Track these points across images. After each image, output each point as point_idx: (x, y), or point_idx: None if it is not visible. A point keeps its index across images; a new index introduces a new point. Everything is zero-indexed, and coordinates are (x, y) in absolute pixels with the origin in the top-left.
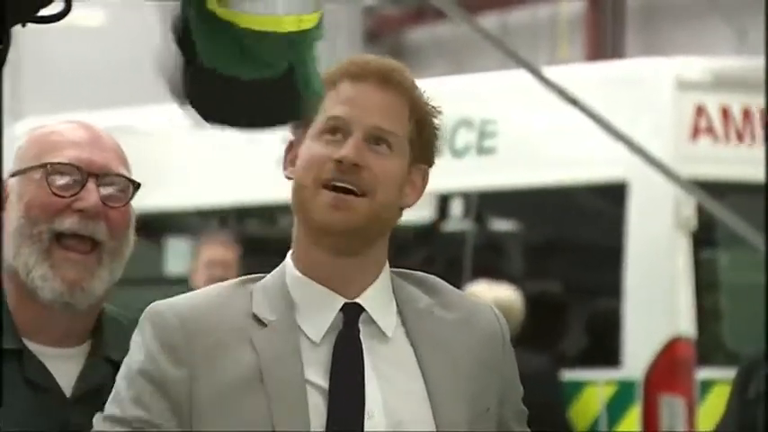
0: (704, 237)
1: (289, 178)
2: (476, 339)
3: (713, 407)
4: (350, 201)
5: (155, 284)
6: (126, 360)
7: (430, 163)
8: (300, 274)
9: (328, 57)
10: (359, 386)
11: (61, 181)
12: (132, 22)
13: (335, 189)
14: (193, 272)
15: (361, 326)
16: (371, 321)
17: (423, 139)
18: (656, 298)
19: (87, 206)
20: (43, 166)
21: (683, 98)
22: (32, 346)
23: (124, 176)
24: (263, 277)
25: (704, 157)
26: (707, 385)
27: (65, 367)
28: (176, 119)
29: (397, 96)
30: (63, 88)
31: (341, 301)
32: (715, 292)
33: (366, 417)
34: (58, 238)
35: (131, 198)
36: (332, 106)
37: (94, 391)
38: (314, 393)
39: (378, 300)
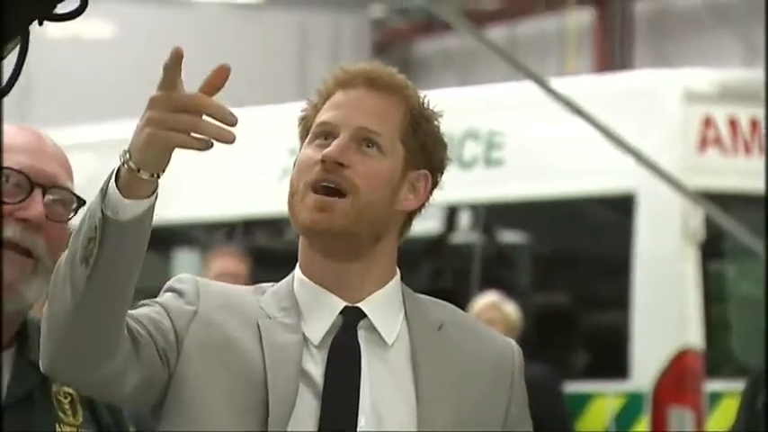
0: (712, 248)
1: None
2: (481, 365)
3: (722, 419)
4: (332, 202)
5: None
6: None
7: (432, 167)
8: (305, 278)
9: (339, 65)
10: (353, 390)
11: (6, 187)
12: (142, 34)
13: (322, 190)
14: None
15: (362, 331)
16: (373, 328)
17: (418, 140)
18: (665, 309)
19: (30, 216)
20: None
21: (690, 110)
22: None
23: (70, 191)
24: (273, 284)
25: (712, 168)
26: (715, 397)
27: None
28: None
29: (386, 99)
30: (73, 99)
31: (341, 304)
32: (723, 304)
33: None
34: None
35: (75, 215)
36: (323, 113)
37: (26, 396)
38: (306, 390)
39: (381, 306)
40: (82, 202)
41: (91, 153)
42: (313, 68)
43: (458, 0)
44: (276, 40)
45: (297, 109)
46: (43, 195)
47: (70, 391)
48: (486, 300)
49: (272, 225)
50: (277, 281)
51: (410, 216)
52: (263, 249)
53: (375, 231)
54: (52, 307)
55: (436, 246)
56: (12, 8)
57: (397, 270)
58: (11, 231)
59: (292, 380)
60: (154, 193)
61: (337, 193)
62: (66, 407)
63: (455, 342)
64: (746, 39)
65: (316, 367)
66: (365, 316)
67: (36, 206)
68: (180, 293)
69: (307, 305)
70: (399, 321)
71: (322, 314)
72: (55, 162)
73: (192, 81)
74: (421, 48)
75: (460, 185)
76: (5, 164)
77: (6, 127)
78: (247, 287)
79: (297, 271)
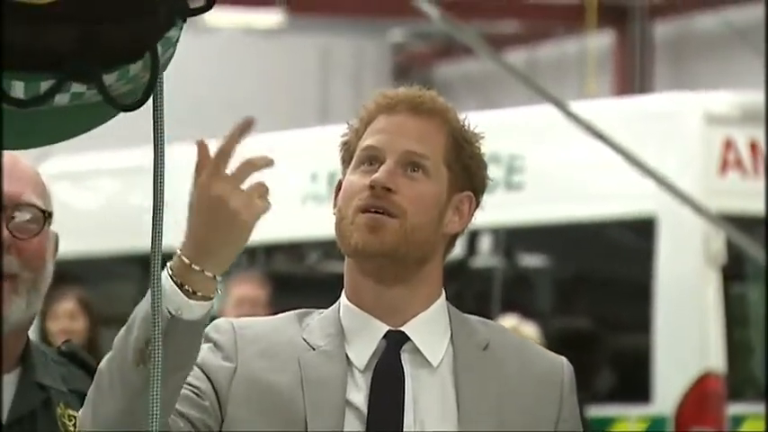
0: (733, 271)
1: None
2: (527, 383)
3: None
4: (383, 220)
5: None
6: None
7: (475, 188)
8: (350, 303)
9: (357, 93)
10: (397, 413)
11: None
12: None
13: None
14: (222, 309)
15: (406, 354)
16: (417, 350)
17: (461, 163)
18: (686, 333)
19: None
20: None
21: (711, 132)
22: None
23: (35, 206)
24: (321, 311)
25: (733, 191)
26: (738, 420)
27: None
28: None
29: (428, 122)
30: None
31: (384, 328)
32: (745, 327)
33: None
34: None
35: (43, 228)
36: (367, 138)
37: (28, 416)
38: (353, 417)
39: (425, 328)
40: (48, 216)
41: (111, 178)
42: (334, 93)
43: (477, 24)
44: (297, 65)
45: (318, 134)
46: (8, 216)
47: (75, 414)
48: (506, 322)
49: (293, 250)
50: (296, 305)
51: (453, 238)
52: (284, 274)
53: (422, 254)
54: (98, 410)
55: (457, 269)
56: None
57: (443, 291)
58: None
59: (335, 415)
60: (215, 292)
61: (387, 215)
62: (71, 429)
63: (500, 361)
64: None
65: (360, 393)
66: (409, 339)
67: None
68: (217, 345)
69: (351, 331)
70: (446, 342)
71: (366, 339)
72: (19, 181)
73: (213, 106)
74: (441, 71)
75: (481, 209)
76: None
77: None
78: (292, 314)
79: (342, 297)
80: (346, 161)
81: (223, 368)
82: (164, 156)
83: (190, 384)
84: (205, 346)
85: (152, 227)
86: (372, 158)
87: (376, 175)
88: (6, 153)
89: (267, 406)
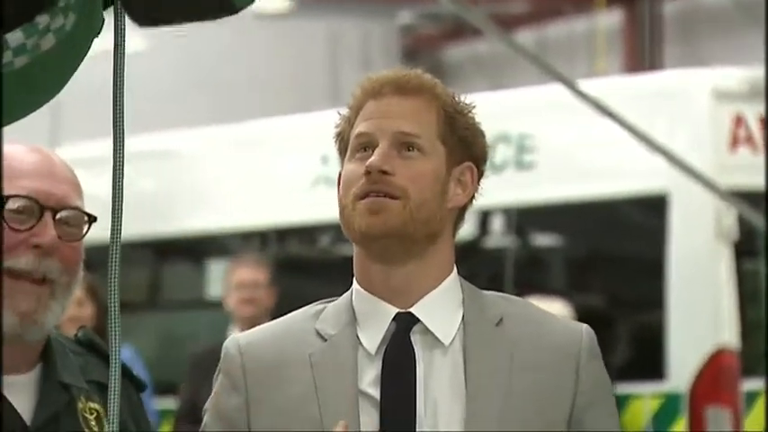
0: (746, 247)
1: None
2: (541, 356)
3: (759, 417)
4: (384, 202)
5: (197, 308)
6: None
7: (475, 158)
8: (361, 288)
9: (366, 76)
10: (409, 396)
11: (17, 214)
12: (173, 45)
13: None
14: (226, 295)
15: (417, 335)
16: (428, 331)
17: (456, 135)
18: (700, 309)
19: (43, 242)
20: None
21: (720, 108)
22: None
23: (81, 210)
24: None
25: (744, 166)
26: (752, 396)
27: (20, 395)
28: (215, 142)
29: (417, 100)
30: (107, 112)
31: (393, 311)
32: (758, 303)
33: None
34: (9, 269)
35: (86, 233)
36: (358, 125)
37: (53, 418)
38: (368, 405)
39: (435, 307)
40: (93, 220)
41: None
42: (343, 76)
43: (486, 4)
44: (306, 49)
45: (328, 117)
46: (54, 217)
47: (96, 407)
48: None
49: (305, 233)
50: (309, 288)
51: (462, 211)
52: (296, 257)
53: (429, 231)
54: None
55: (469, 250)
56: None
57: (454, 268)
58: (23, 261)
59: (349, 404)
60: None
61: (388, 198)
62: (93, 423)
63: (514, 335)
64: None
65: (372, 378)
66: (419, 320)
67: (48, 231)
68: (227, 376)
69: (363, 315)
70: (458, 319)
71: (376, 323)
72: (64, 183)
73: (224, 90)
74: (450, 53)
75: (492, 189)
76: (15, 189)
77: (15, 148)
78: (308, 308)
79: (354, 282)
80: (342, 152)
81: (237, 408)
82: (123, 149)
83: None
84: (219, 389)
85: (112, 218)
86: (366, 145)
87: (371, 159)
88: (39, 151)
89: (289, 416)
